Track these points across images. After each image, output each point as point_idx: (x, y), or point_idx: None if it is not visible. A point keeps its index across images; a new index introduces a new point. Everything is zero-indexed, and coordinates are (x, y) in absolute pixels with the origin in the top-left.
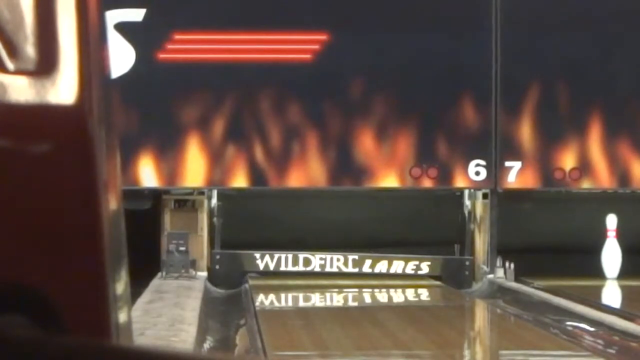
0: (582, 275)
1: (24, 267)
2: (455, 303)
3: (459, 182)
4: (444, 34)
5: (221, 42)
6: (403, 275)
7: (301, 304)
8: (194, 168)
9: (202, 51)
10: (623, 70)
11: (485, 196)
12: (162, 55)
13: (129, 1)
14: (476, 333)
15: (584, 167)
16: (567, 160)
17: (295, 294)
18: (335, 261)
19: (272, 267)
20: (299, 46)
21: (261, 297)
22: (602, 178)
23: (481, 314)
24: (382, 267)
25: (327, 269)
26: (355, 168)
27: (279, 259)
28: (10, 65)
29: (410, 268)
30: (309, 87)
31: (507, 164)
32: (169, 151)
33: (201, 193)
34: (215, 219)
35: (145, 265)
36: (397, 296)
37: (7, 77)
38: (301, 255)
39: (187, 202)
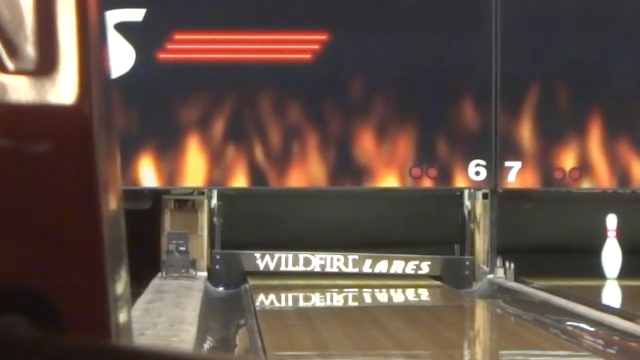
0: (582, 275)
1: (24, 267)
2: (455, 303)
3: (459, 182)
4: (444, 34)
5: (221, 42)
6: (403, 275)
7: (301, 304)
8: (194, 168)
9: (202, 51)
10: (623, 70)
11: (485, 196)
12: (162, 55)
13: (129, 1)
14: (476, 333)
15: (584, 167)
16: (567, 160)
17: (295, 294)
18: (335, 261)
19: (272, 267)
20: (299, 46)
21: (261, 297)
22: (602, 178)
23: (481, 314)
24: (382, 267)
25: (327, 269)
26: (355, 168)
27: (279, 259)
28: (10, 65)
29: (410, 268)
30: (309, 87)
31: (507, 164)
32: (169, 151)
33: (201, 193)
34: (215, 219)
35: (145, 265)
36: (397, 296)
37: (7, 77)
38: (301, 255)
39: (187, 202)
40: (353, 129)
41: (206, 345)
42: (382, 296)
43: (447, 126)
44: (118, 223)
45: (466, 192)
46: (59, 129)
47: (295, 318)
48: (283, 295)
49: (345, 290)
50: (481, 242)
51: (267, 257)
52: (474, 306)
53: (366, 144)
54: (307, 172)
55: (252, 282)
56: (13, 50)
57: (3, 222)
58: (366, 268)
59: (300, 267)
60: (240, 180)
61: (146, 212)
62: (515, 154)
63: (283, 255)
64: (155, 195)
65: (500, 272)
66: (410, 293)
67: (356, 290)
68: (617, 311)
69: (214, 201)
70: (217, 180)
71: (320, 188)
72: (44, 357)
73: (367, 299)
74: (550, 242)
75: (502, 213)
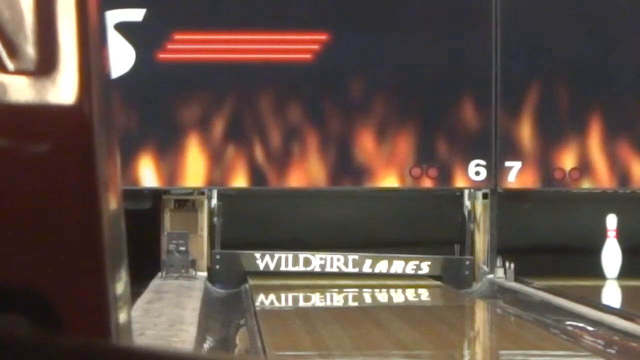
0: (582, 275)
1: (24, 267)
2: (455, 303)
3: (459, 182)
4: (444, 33)
5: (221, 42)
6: (403, 275)
7: (301, 304)
8: (194, 168)
9: (202, 51)
10: (623, 70)
11: (485, 196)
12: (162, 55)
13: (129, 1)
14: (476, 333)
15: (584, 167)
16: (567, 160)
17: (295, 294)
18: (335, 261)
19: (272, 267)
20: (299, 46)
21: (261, 297)
22: (602, 178)
23: (481, 314)
24: (382, 267)
25: (327, 269)
26: (355, 168)
27: (279, 259)
28: (10, 65)
29: (410, 268)
30: (309, 87)
31: (507, 164)
32: (169, 151)
33: (201, 193)
34: (215, 219)
35: (145, 265)
36: (397, 296)
37: (7, 77)
38: (301, 255)
39: (187, 202)
40: (353, 129)
41: (206, 345)
42: (382, 296)
43: (447, 126)
44: (118, 223)
45: (466, 192)
46: (59, 129)
47: (295, 318)
48: (283, 295)
49: (345, 290)
50: (481, 242)
51: (267, 257)
52: (474, 306)
53: (366, 144)
54: (307, 172)
55: (252, 282)
56: (13, 50)
57: (3, 222)
58: (366, 268)
59: (300, 267)
60: (240, 180)
61: (146, 212)
62: (515, 154)
63: (283, 255)
64: (155, 195)
65: (500, 272)
66: (410, 293)
67: (356, 290)
68: (617, 311)
69: (214, 201)
70: (217, 180)
71: (320, 188)
72: (44, 357)
73: (367, 299)
74: (550, 242)
75: (502, 213)
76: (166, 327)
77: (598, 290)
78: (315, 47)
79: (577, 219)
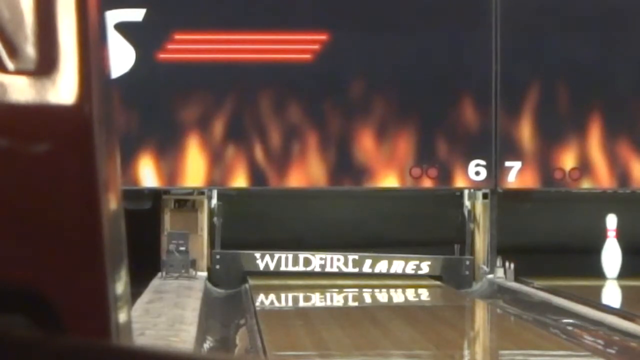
0: (582, 275)
1: (24, 267)
2: (455, 303)
3: (459, 182)
4: (444, 33)
5: (221, 42)
6: (403, 275)
7: (301, 304)
8: (194, 168)
9: (202, 51)
10: (623, 70)
11: (485, 196)
12: (162, 55)
13: (129, 1)
14: (476, 333)
15: (584, 167)
16: (567, 160)
17: (295, 294)
18: (335, 261)
19: (272, 267)
20: (299, 46)
21: (261, 297)
22: (602, 178)
23: (481, 314)
24: (382, 267)
25: (327, 269)
26: (355, 168)
27: (279, 259)
28: (10, 65)
29: (410, 268)
30: (309, 87)
31: (507, 164)
32: (169, 151)
33: (201, 193)
34: (215, 219)
35: (145, 265)
36: (397, 296)
37: (7, 77)
38: (301, 255)
39: (187, 202)
40: (353, 129)
41: (206, 345)
42: (382, 296)
43: (447, 126)
44: (118, 223)
45: (466, 192)
46: (59, 129)
47: (295, 318)
48: (283, 295)
49: (345, 290)
50: (481, 242)
51: (267, 257)
52: (474, 306)
53: (366, 144)
54: (307, 172)
55: (252, 282)
56: (13, 50)
57: (3, 222)
58: (366, 268)
59: (300, 267)
60: (240, 180)
61: (146, 212)
62: (515, 154)
63: (283, 255)
64: (155, 195)
65: (500, 272)
66: (410, 293)
67: (356, 290)
68: (617, 311)
69: (214, 201)
70: (217, 180)
71: (320, 188)
72: (44, 357)
73: (367, 299)
74: (550, 242)
75: (502, 213)
76: (166, 327)
77: (598, 290)
78: (315, 47)
79: (577, 219)
